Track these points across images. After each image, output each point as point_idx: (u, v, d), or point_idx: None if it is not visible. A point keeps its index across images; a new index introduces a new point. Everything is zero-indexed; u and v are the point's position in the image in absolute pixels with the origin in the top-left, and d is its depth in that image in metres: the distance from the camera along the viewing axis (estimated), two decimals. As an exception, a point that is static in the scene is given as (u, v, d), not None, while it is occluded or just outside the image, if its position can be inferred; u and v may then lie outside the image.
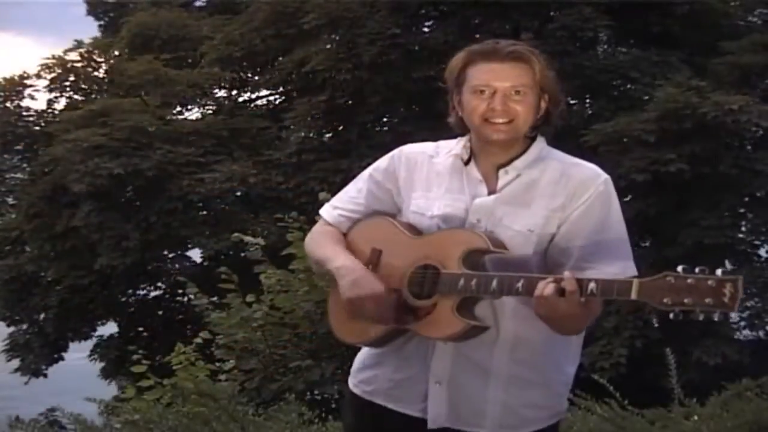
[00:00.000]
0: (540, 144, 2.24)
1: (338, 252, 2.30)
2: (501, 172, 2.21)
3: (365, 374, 2.36)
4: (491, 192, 2.21)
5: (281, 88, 17.52)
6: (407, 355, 2.25)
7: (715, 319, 1.83)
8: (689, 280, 1.83)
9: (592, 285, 1.95)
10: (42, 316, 16.08)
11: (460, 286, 2.09)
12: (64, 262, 15.19)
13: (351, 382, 2.40)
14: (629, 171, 11.66)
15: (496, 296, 2.10)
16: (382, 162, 2.37)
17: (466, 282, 2.09)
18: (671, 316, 1.86)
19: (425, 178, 2.28)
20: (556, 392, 2.26)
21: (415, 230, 2.25)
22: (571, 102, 14.08)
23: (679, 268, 1.84)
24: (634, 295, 1.89)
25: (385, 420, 2.30)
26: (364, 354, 2.39)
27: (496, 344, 2.17)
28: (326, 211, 2.43)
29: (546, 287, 1.96)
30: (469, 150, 2.26)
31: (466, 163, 2.25)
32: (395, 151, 2.36)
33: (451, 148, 2.30)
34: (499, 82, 2.15)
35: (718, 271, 1.82)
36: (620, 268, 2.10)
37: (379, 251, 2.25)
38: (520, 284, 2.02)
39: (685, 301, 1.82)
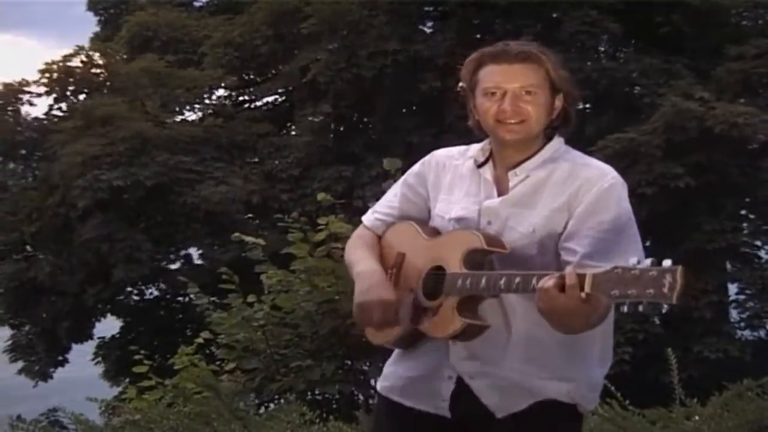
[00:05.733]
0: (555, 144, 2.24)
1: (363, 258, 2.36)
2: (511, 173, 2.22)
3: (387, 370, 2.42)
4: (502, 194, 2.23)
5: (283, 92, 17.50)
6: (421, 353, 2.29)
7: (663, 311, 1.81)
8: (633, 272, 1.81)
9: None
10: (53, 316, 16.03)
11: (459, 285, 2.13)
12: (79, 275, 15.20)
13: (380, 378, 2.46)
14: (638, 185, 11.70)
15: (489, 294, 2.12)
16: (416, 167, 2.43)
17: (462, 281, 2.12)
18: (624, 309, 1.84)
19: (449, 182, 2.33)
20: (576, 393, 2.22)
21: (433, 232, 2.29)
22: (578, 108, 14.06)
23: (632, 261, 1.83)
24: (587, 288, 1.88)
25: (399, 416, 2.34)
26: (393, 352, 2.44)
27: (509, 346, 2.18)
28: (366, 216, 2.50)
29: (547, 280, 1.94)
30: (487, 152, 2.28)
31: (480, 165, 2.27)
32: (427, 156, 2.42)
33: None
34: (508, 84, 2.16)
35: (665, 262, 1.80)
36: None
37: (402, 254, 2.32)
38: (502, 281, 2.04)
39: (629, 292, 1.81)
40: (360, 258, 2.36)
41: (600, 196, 2.14)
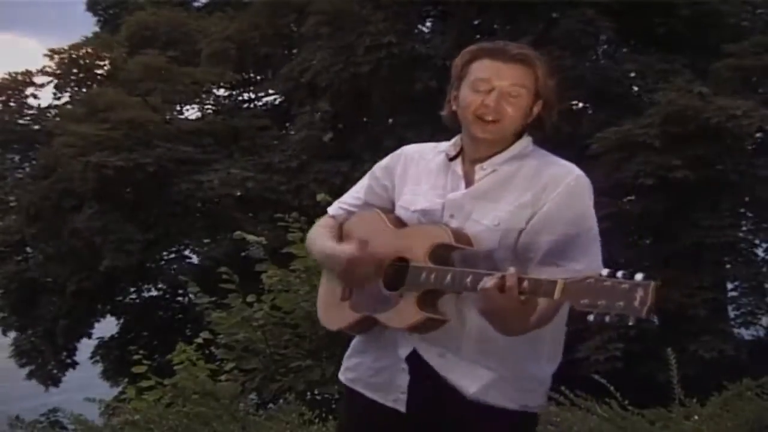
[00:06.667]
0: (523, 142, 2.26)
1: (327, 245, 2.39)
2: (477, 167, 2.25)
3: (350, 362, 2.42)
4: (469, 187, 2.25)
5: (282, 91, 17.49)
6: (384, 344, 2.30)
7: (630, 323, 1.81)
8: (606, 283, 1.83)
9: (525, 283, 1.96)
10: (51, 316, 15.99)
11: (422, 279, 2.15)
12: (68, 265, 15.17)
13: (341, 370, 2.46)
14: (636, 176, 11.69)
15: (453, 290, 2.13)
16: (384, 160, 2.45)
17: (427, 275, 2.14)
18: (590, 318, 1.84)
19: (417, 175, 2.35)
20: (524, 387, 2.25)
21: (399, 223, 2.31)
22: (575, 107, 14.07)
23: (603, 272, 1.84)
24: (557, 295, 1.89)
25: (365, 409, 2.34)
26: (353, 341, 2.44)
27: (462, 337, 2.20)
28: (331, 206, 2.53)
29: (488, 281, 1.97)
30: (459, 147, 2.31)
31: (452, 159, 2.30)
32: (398, 150, 2.45)
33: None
34: (498, 80, 2.19)
35: (638, 276, 1.81)
36: (587, 265, 2.07)
37: (365, 242, 2.30)
38: (468, 279, 2.05)
39: (599, 303, 1.82)
40: (324, 245, 2.39)
41: (566, 195, 2.17)
